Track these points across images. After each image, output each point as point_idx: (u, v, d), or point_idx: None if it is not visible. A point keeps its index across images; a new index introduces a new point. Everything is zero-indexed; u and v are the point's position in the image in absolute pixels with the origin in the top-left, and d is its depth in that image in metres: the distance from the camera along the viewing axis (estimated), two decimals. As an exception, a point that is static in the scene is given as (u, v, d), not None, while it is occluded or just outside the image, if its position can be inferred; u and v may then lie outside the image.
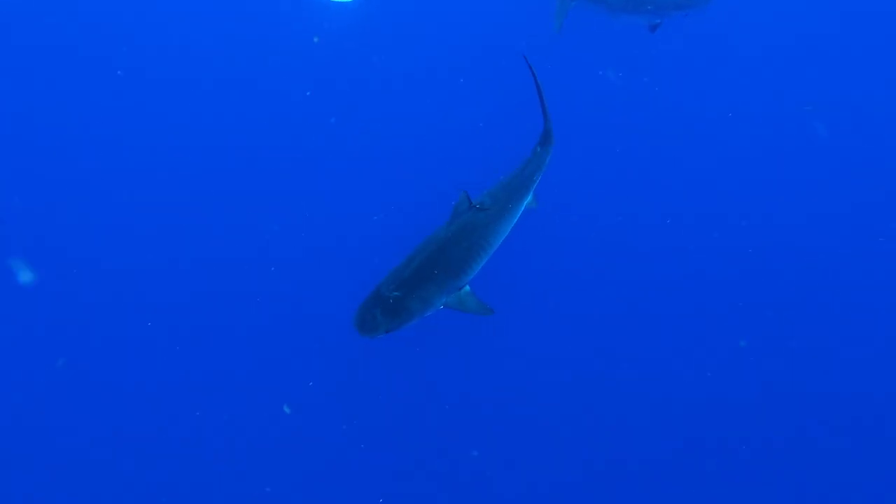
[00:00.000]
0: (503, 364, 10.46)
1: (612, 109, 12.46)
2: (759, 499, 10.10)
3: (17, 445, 9.90)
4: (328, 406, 10.26)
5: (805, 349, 10.99)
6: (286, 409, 9.99)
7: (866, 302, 11.51)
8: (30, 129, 12.27)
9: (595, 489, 10.05)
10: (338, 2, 13.57)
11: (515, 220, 6.22)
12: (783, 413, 10.53)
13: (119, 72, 12.78)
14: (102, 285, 10.92)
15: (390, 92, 13.06)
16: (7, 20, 13.38)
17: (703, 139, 12.70)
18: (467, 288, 5.72)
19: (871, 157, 12.87)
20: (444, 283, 5.39)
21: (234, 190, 11.79)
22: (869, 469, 10.28)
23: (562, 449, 10.12)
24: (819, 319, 11.27)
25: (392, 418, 10.19)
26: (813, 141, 12.90)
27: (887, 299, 11.46)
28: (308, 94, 13.00)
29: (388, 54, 13.29)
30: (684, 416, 10.39)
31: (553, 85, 7.18)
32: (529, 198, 6.41)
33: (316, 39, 13.45)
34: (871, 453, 10.36)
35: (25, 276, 10.02)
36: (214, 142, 12.33)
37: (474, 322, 6.19)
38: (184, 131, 12.27)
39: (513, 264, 8.73)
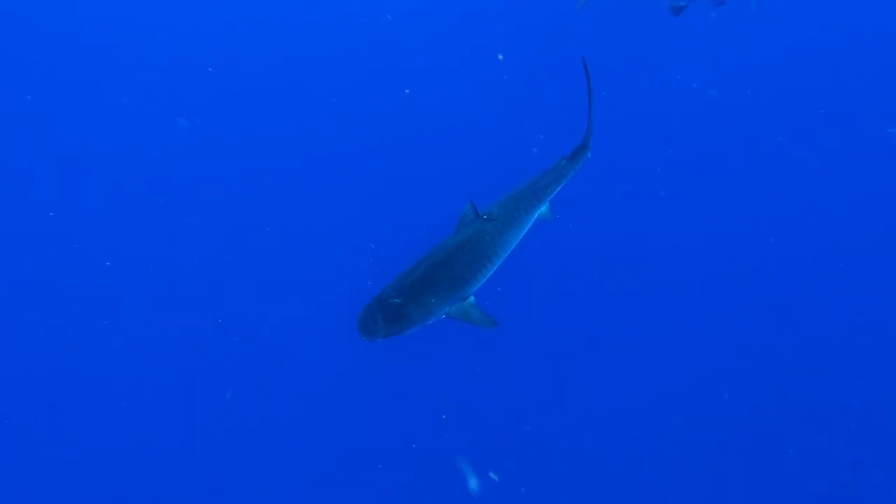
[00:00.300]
0: (508, 374, 10.24)
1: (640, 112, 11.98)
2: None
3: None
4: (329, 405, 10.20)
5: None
6: None
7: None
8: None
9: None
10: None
11: (525, 231, 5.95)
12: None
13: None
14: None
15: (418, 92, 12.86)
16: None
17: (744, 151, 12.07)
18: (472, 299, 5.55)
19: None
20: (446, 293, 5.30)
21: (256, 201, 11.85)
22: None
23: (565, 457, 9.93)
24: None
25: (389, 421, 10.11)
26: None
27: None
28: (329, 98, 12.91)
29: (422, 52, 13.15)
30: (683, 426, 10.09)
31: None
32: (543, 209, 6.10)
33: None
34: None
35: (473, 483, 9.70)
36: (218, 155, 12.31)
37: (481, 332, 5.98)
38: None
39: (522, 275, 8.54)
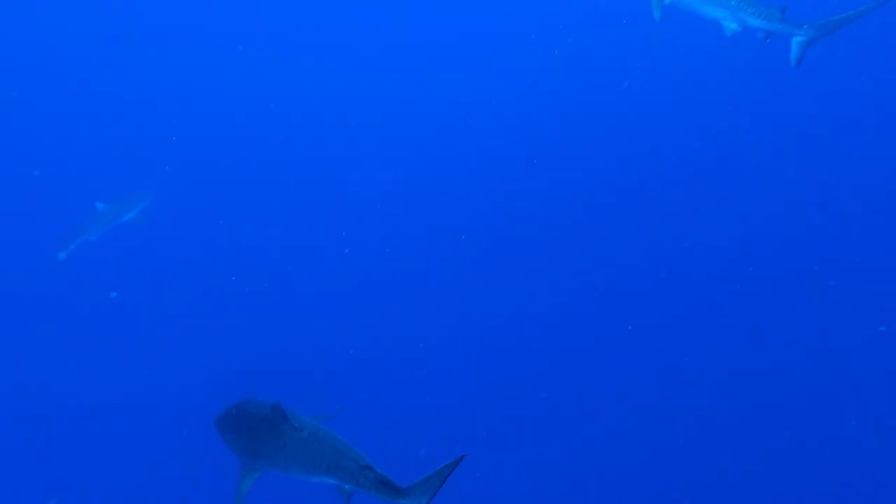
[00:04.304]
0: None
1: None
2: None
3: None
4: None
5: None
6: None
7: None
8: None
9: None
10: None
11: (317, 477, 5.47)
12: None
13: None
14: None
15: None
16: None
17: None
18: (254, 474, 5.80)
19: None
20: (243, 450, 5.89)
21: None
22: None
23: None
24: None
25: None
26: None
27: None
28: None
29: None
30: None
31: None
32: (347, 487, 5.34)
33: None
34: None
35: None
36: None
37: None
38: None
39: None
